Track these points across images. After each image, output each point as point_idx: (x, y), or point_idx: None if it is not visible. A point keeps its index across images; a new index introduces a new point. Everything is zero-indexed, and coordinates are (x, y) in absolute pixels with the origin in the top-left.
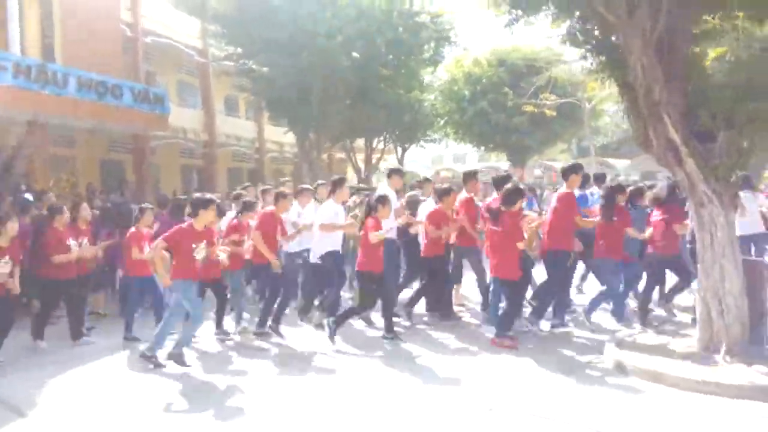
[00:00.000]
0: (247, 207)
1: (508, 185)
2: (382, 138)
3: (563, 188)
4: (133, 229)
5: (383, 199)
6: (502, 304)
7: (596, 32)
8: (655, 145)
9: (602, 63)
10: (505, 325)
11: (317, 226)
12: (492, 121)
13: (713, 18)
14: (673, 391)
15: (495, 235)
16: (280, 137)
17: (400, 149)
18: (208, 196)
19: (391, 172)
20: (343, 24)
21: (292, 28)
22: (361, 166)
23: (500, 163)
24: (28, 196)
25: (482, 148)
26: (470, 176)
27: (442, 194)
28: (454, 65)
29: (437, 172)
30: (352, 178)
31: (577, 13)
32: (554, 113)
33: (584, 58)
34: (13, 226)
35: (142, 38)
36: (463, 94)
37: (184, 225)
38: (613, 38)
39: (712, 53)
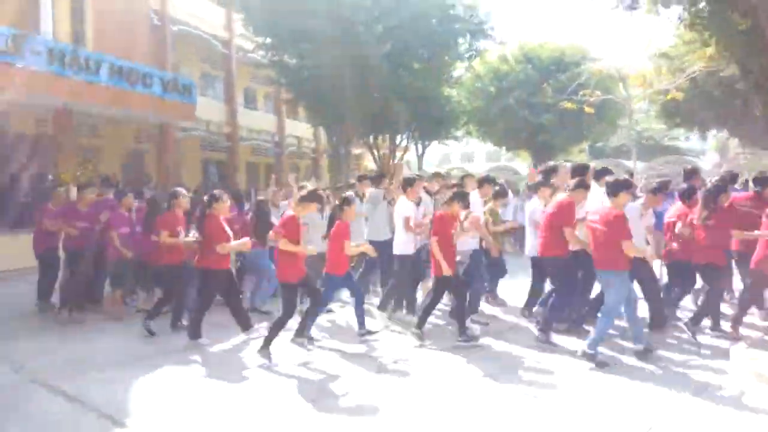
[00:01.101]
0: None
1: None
2: (405, 134)
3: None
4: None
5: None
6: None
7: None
8: None
9: (724, 45)
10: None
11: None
12: (518, 118)
13: None
14: None
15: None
16: (299, 131)
17: (420, 146)
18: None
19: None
20: (381, 13)
21: (328, 16)
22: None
23: (513, 163)
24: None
25: (503, 147)
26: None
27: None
28: (478, 61)
29: (447, 171)
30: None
31: None
32: (593, 110)
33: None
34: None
35: (170, 26)
36: (489, 90)
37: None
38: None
39: None
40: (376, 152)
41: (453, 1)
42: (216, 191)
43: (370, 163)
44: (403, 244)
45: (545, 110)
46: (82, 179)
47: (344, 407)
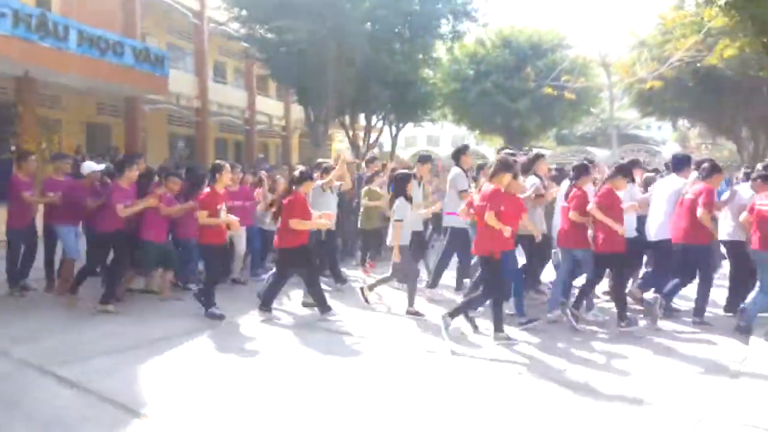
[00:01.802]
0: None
1: None
2: (381, 115)
3: None
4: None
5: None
6: None
7: None
8: None
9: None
10: None
11: None
12: (494, 102)
13: None
14: None
15: None
16: (270, 108)
17: (394, 128)
18: None
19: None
20: None
21: None
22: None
23: (481, 147)
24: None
25: (476, 131)
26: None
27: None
28: (457, 43)
29: (414, 154)
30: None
31: None
32: (573, 96)
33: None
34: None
35: None
36: (467, 73)
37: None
38: None
39: None
40: (351, 132)
41: None
42: (303, 168)
43: (339, 144)
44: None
45: (521, 95)
46: (47, 152)
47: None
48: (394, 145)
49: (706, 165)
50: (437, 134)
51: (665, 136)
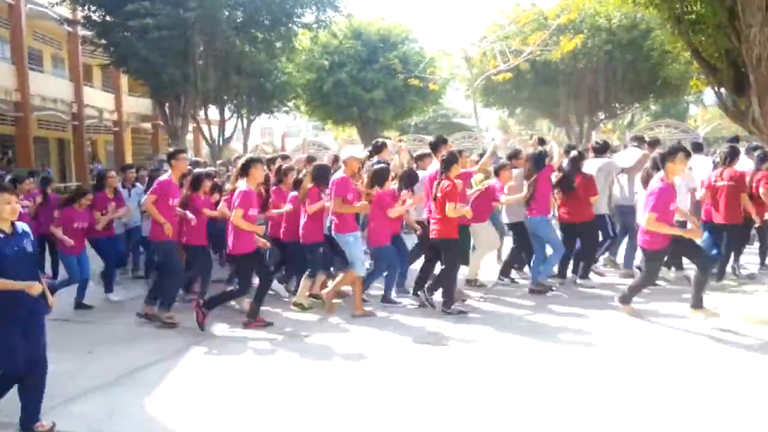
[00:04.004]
0: None
1: None
2: (233, 107)
3: None
4: None
5: None
6: None
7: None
8: (758, 116)
9: (679, 32)
10: None
11: None
12: (349, 93)
13: None
14: None
15: None
16: (99, 101)
17: (245, 120)
18: None
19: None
20: None
21: None
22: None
23: (319, 138)
24: None
25: (329, 121)
26: None
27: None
28: (306, 34)
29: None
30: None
31: None
32: (437, 87)
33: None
34: None
35: None
36: (321, 64)
37: None
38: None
39: None
40: (207, 126)
41: None
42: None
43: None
44: None
45: (374, 86)
46: None
47: None
48: (246, 138)
49: (759, 153)
50: (270, 125)
51: (487, 124)
